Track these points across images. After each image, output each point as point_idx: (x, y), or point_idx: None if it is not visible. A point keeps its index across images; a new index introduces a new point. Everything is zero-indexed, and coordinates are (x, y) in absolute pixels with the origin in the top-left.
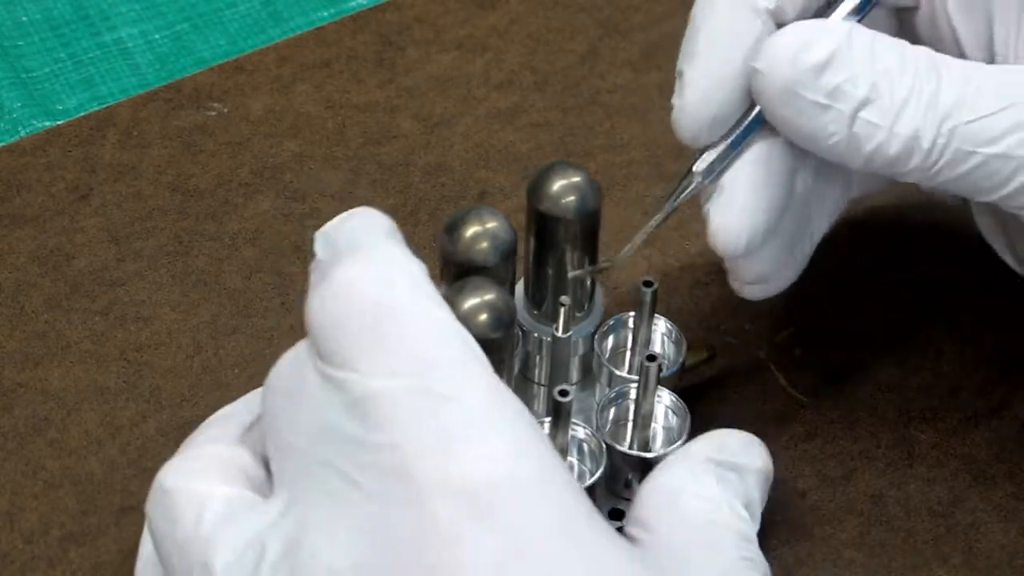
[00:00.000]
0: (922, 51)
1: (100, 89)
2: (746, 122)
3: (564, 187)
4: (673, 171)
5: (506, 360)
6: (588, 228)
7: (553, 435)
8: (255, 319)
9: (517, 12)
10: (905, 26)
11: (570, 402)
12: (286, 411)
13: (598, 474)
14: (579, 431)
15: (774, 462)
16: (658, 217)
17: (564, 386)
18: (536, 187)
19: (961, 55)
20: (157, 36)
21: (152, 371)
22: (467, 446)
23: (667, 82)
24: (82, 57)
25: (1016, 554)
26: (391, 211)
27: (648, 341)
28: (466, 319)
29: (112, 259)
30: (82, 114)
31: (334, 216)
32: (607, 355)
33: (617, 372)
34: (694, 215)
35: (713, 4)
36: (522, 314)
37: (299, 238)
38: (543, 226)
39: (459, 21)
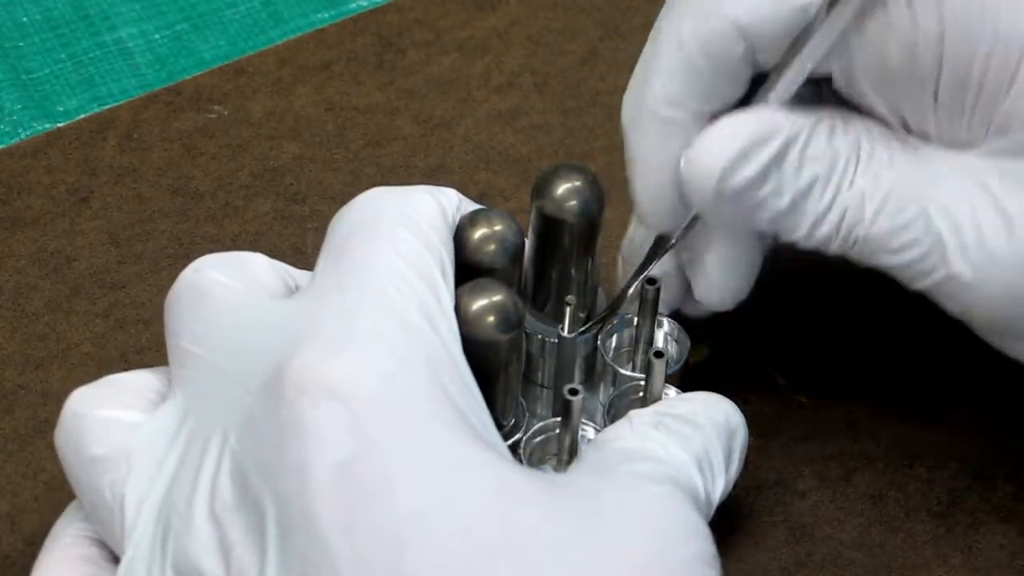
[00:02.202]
0: (841, 143)
1: (100, 90)
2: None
3: (569, 190)
4: None
5: (514, 361)
6: (590, 231)
7: (563, 434)
8: None
9: (517, 14)
10: (824, 93)
11: (580, 400)
12: (188, 318)
13: None
14: (589, 430)
15: (775, 463)
16: (634, 284)
17: (574, 385)
18: (540, 188)
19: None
20: (157, 36)
21: None
22: (346, 355)
23: None
24: (82, 58)
25: (1016, 554)
26: None
27: (651, 339)
28: (474, 321)
29: (113, 261)
30: (82, 116)
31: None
32: (611, 354)
33: (622, 371)
34: None
35: (640, 115)
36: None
37: (299, 240)
38: (547, 228)
39: (459, 23)
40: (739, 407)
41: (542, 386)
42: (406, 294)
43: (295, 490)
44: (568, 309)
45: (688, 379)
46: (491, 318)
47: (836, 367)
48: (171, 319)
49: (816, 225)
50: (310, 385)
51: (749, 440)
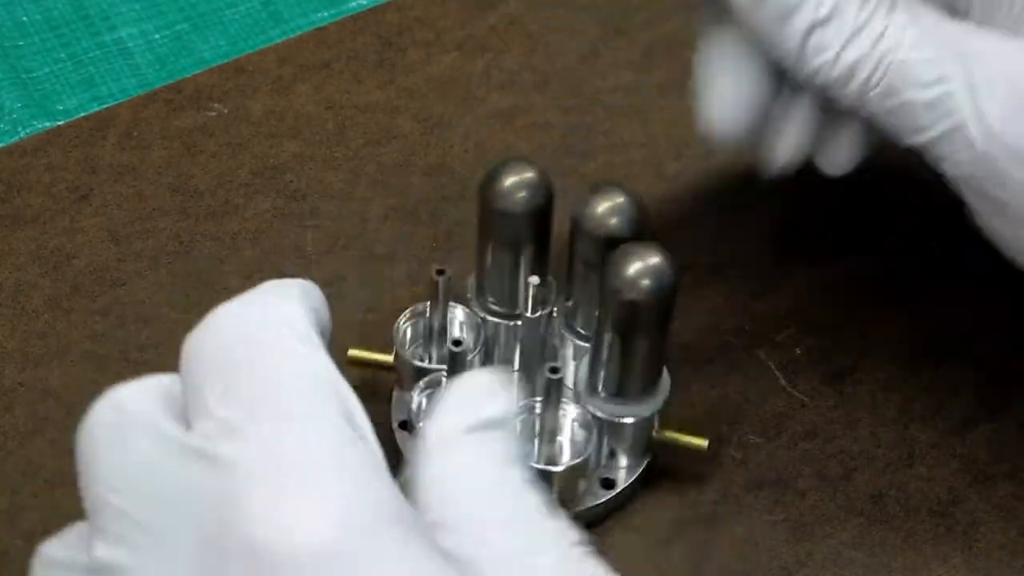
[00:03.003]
0: None
1: (100, 89)
2: None
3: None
4: (673, 171)
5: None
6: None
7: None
8: None
9: (517, 13)
10: None
11: (560, 379)
12: (107, 462)
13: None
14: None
15: (775, 462)
16: None
17: (554, 364)
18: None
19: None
20: (157, 36)
21: (152, 371)
22: (302, 506)
23: (667, 82)
24: (82, 57)
25: (1016, 554)
26: (391, 211)
27: (555, 428)
28: (506, 195)
29: (112, 259)
30: (82, 115)
31: (334, 216)
32: None
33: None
34: (694, 213)
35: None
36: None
37: (299, 238)
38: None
39: (459, 22)
40: (740, 405)
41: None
42: (329, 412)
43: None
44: (531, 291)
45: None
46: (521, 194)
47: (836, 367)
48: (86, 459)
49: (851, 40)
50: (284, 554)
51: (751, 439)
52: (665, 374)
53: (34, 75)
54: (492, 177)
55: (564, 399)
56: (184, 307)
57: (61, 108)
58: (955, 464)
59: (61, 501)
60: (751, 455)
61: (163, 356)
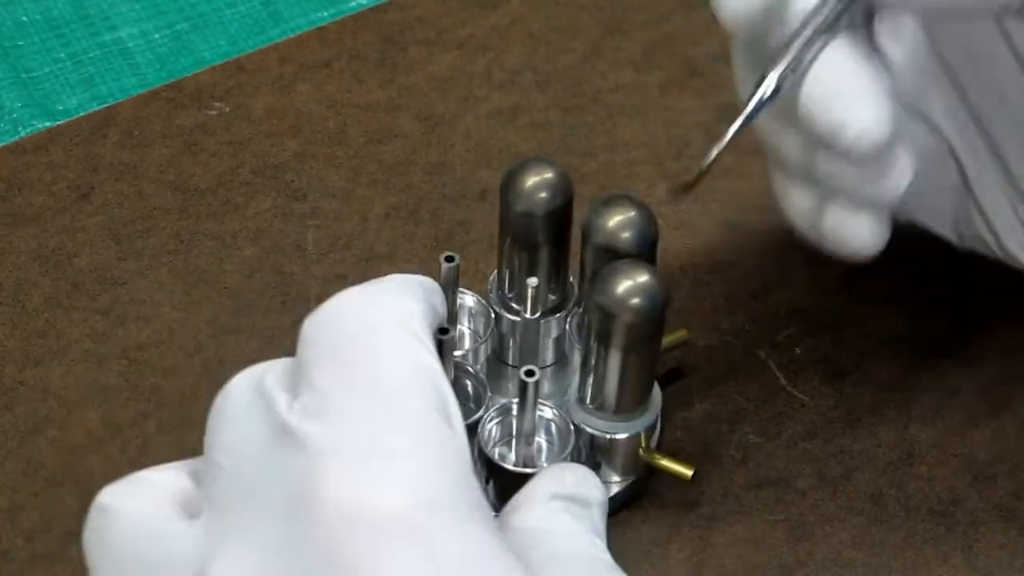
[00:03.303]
0: None
1: (100, 89)
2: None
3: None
4: (674, 170)
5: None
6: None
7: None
8: (256, 318)
9: (518, 12)
10: None
11: (536, 382)
12: (221, 432)
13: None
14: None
15: (775, 461)
16: (735, 127)
17: (531, 367)
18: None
19: None
20: (157, 36)
21: (153, 370)
22: (379, 476)
23: (668, 81)
24: (82, 57)
25: (1016, 554)
26: (392, 210)
27: (533, 430)
28: (529, 195)
29: (113, 258)
30: (83, 114)
31: (335, 215)
32: (489, 446)
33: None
34: (693, 212)
35: None
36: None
37: (300, 237)
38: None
39: (460, 21)
40: (740, 405)
41: (513, 366)
42: (428, 402)
43: None
44: (530, 291)
45: (688, 376)
46: (543, 194)
47: (836, 367)
48: (208, 429)
49: None
50: (359, 517)
51: (751, 438)
52: (657, 396)
53: (34, 75)
54: (512, 176)
55: (542, 401)
56: (184, 306)
57: (61, 108)
58: (955, 464)
59: (61, 500)
60: (751, 455)
61: (164, 355)
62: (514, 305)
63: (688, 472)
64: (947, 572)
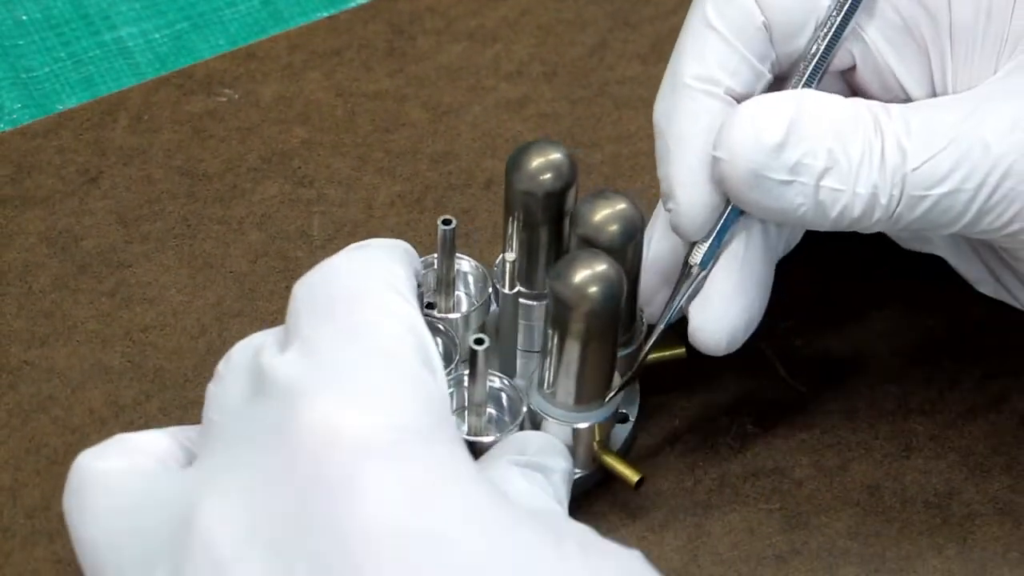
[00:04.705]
0: (862, 104)
1: (100, 89)
2: (727, 210)
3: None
4: None
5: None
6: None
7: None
8: (260, 302)
9: (527, 3)
10: (850, 84)
11: (486, 351)
12: (217, 393)
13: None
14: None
15: (773, 451)
16: (666, 317)
17: (480, 335)
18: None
19: (908, 99)
20: (157, 35)
21: (157, 352)
22: (356, 402)
23: None
24: (82, 56)
25: (1010, 547)
26: (397, 198)
27: (484, 400)
28: (532, 176)
29: (120, 241)
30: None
31: (341, 202)
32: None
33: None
34: None
35: (673, 100)
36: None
37: (305, 223)
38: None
39: (470, 11)
40: (738, 397)
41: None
42: (408, 348)
43: (338, 552)
44: (507, 266)
45: (682, 368)
46: (547, 175)
47: (835, 358)
48: (207, 393)
49: (858, 178)
50: (336, 439)
51: (749, 428)
52: (633, 394)
53: (34, 74)
54: (519, 155)
55: (493, 372)
56: (190, 289)
57: (61, 107)
58: (952, 456)
59: (63, 479)
60: (749, 444)
61: (168, 337)
62: (522, 289)
63: (634, 478)
64: (941, 563)
